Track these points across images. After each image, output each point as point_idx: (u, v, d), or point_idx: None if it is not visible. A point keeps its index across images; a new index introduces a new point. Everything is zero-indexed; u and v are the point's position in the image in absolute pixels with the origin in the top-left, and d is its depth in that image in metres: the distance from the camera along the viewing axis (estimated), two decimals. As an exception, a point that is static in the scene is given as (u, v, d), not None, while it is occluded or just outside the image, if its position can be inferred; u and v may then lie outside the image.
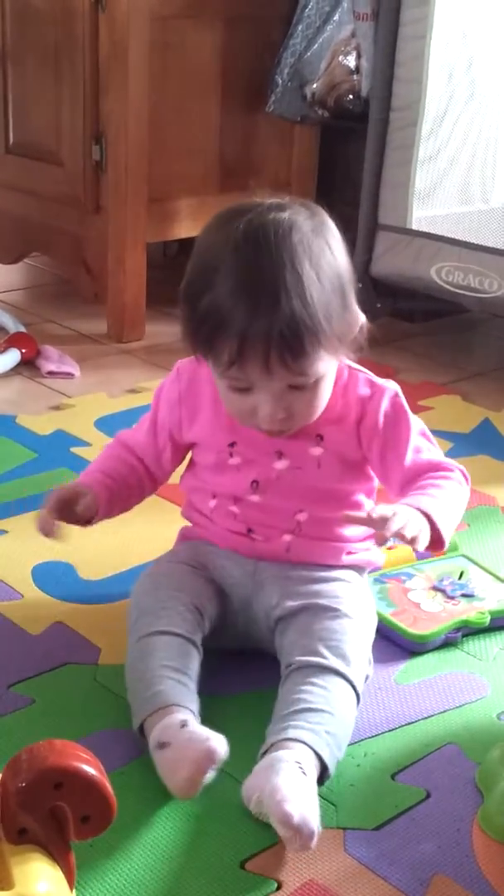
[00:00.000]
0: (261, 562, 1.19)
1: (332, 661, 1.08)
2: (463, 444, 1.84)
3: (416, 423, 1.18)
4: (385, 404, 1.16)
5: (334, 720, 1.03)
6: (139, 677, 1.08)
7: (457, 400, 2.04)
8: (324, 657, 1.08)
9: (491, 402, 2.02)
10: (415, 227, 2.12)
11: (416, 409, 1.95)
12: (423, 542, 1.06)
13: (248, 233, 1.02)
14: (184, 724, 1.00)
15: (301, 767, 0.97)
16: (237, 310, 1.01)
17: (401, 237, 2.13)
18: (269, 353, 1.02)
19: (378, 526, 1.04)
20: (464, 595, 1.32)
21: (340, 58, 2.18)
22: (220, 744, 0.98)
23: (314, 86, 2.20)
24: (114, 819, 0.80)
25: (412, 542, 1.05)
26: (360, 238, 2.20)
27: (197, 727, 1.00)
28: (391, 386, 1.17)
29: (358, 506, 1.19)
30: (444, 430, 1.89)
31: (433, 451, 1.18)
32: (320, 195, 2.50)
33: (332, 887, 0.93)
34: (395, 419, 1.16)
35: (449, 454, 1.77)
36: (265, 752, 1.00)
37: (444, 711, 1.16)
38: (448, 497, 1.13)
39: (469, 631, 1.28)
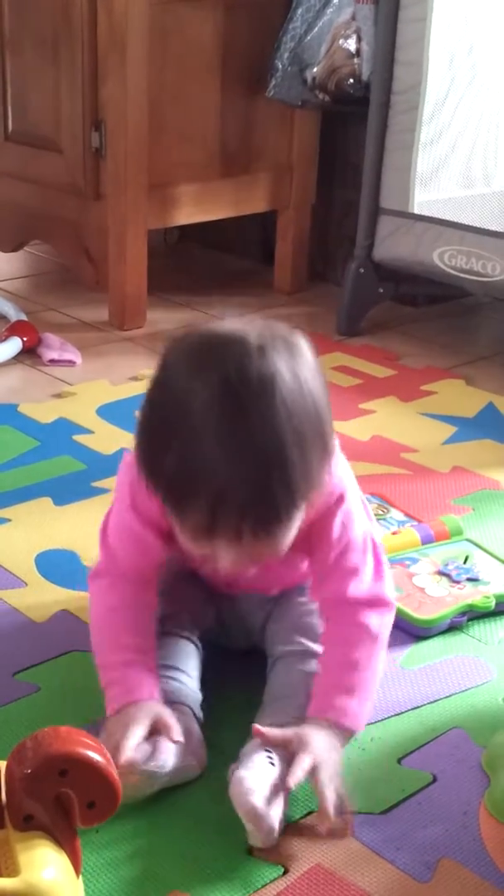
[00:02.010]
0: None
1: (313, 647, 1.10)
2: (467, 428, 1.83)
3: (355, 529, 1.06)
4: (323, 509, 1.04)
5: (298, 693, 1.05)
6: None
7: (460, 384, 2.03)
8: (301, 644, 1.10)
9: (495, 386, 2.01)
10: (417, 211, 2.11)
11: (420, 395, 1.96)
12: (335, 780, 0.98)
13: (224, 391, 0.88)
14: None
15: (269, 757, 0.98)
16: (210, 480, 0.88)
17: (403, 221, 2.12)
18: (242, 526, 0.90)
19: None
20: (469, 579, 1.31)
21: (341, 41, 2.17)
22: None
23: (314, 70, 2.19)
24: (119, 805, 0.80)
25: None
26: (361, 223, 2.19)
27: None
28: (333, 494, 1.04)
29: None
30: (448, 414, 1.89)
31: (364, 573, 1.07)
32: (321, 179, 2.49)
33: (339, 871, 0.93)
34: (324, 526, 1.05)
35: (453, 438, 1.79)
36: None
37: (450, 696, 1.16)
38: (370, 666, 1.05)
39: (474, 615, 1.28)
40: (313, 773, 0.96)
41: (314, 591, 1.10)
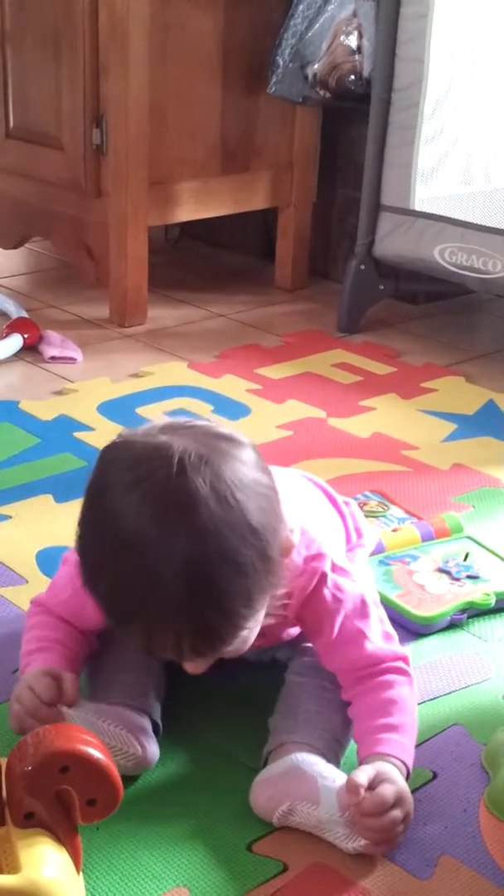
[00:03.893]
0: None
1: None
2: (467, 425, 1.83)
3: (347, 600, 1.04)
4: (309, 588, 1.03)
5: (342, 729, 1.03)
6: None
7: (460, 381, 2.03)
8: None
9: (495, 384, 2.01)
10: (418, 207, 2.11)
11: (420, 392, 1.96)
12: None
13: (148, 518, 0.85)
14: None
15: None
16: (139, 611, 0.88)
17: (404, 218, 2.12)
18: (181, 646, 0.89)
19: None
20: (469, 576, 1.31)
21: (342, 38, 2.17)
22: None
23: (315, 66, 2.19)
24: (120, 802, 0.80)
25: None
26: (362, 219, 2.19)
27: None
28: (317, 569, 1.03)
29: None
30: (448, 411, 1.88)
31: (373, 633, 1.04)
32: (322, 177, 2.49)
33: (339, 869, 0.93)
34: (317, 605, 1.04)
35: (453, 436, 1.79)
36: (273, 750, 1.00)
37: (450, 693, 1.16)
38: (407, 717, 1.01)
39: (474, 612, 1.28)
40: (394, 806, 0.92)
41: (326, 665, 1.06)
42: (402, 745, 0.98)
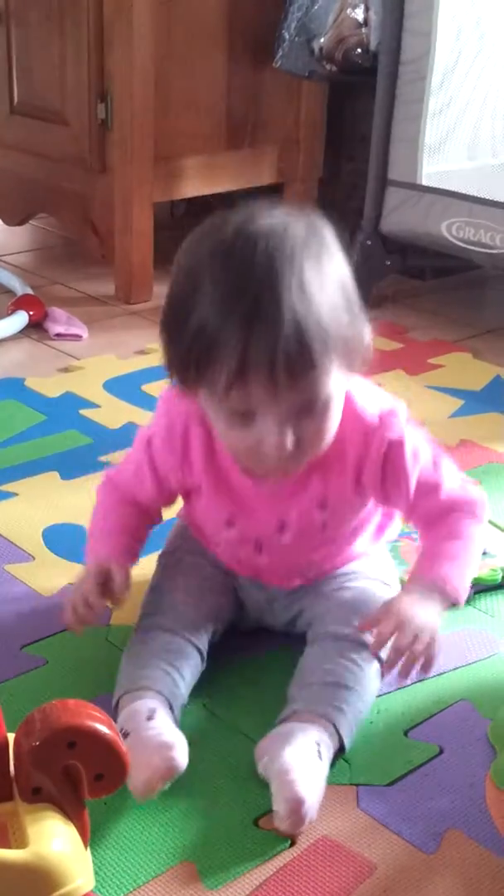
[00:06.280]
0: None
1: (369, 637, 1.06)
2: (474, 401, 1.83)
3: (421, 460, 1.06)
4: (382, 459, 1.04)
5: (361, 700, 1.03)
6: (129, 660, 1.06)
7: (467, 357, 2.02)
8: (361, 631, 1.07)
9: (502, 360, 2.01)
10: (425, 182, 2.10)
11: (427, 368, 1.95)
12: (429, 653, 1.03)
13: (237, 240, 0.91)
14: (150, 716, 0.97)
15: (319, 749, 0.97)
16: (231, 324, 0.89)
17: (411, 193, 2.11)
18: (275, 369, 0.89)
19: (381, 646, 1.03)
20: (476, 552, 1.31)
21: (348, 11, 2.14)
22: (182, 755, 0.94)
23: (322, 40, 2.17)
24: (127, 777, 0.81)
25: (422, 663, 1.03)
26: (369, 194, 2.18)
27: (164, 725, 0.97)
28: (387, 434, 1.04)
29: (368, 520, 1.14)
30: (455, 387, 1.88)
31: (446, 481, 1.08)
32: (329, 151, 2.48)
33: (346, 843, 0.93)
34: (395, 473, 1.05)
35: (460, 412, 1.78)
36: (287, 718, 1.00)
37: (457, 668, 1.16)
38: (468, 550, 1.07)
39: (481, 588, 1.28)
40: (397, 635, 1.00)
41: (408, 517, 1.12)
42: (450, 571, 1.04)
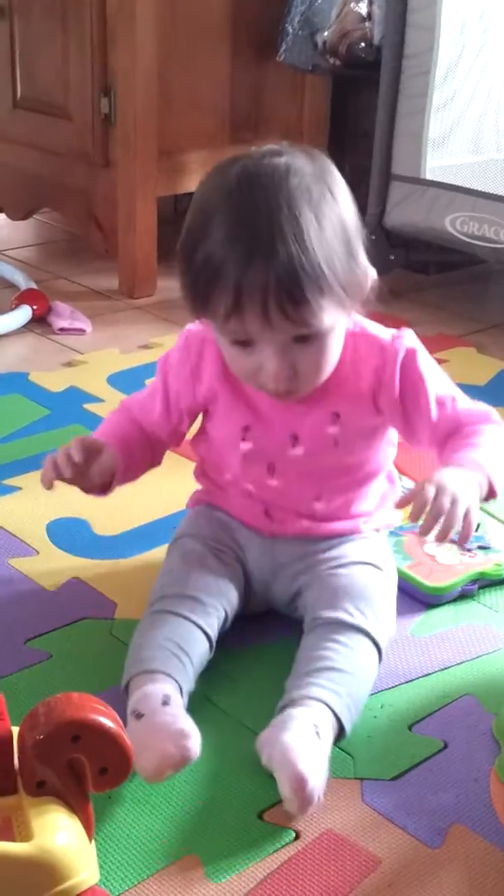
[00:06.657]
0: (279, 540, 1.17)
1: (357, 619, 1.07)
2: (478, 396, 1.80)
3: (435, 375, 1.12)
4: (398, 368, 1.09)
5: (355, 681, 1.03)
6: (139, 643, 1.06)
7: (472, 352, 2.02)
8: (349, 613, 1.07)
9: (506, 354, 2.01)
10: (429, 177, 2.10)
11: (431, 362, 1.95)
12: (472, 511, 1.02)
13: (242, 177, 0.98)
14: (166, 701, 0.97)
15: (317, 730, 0.96)
16: (230, 257, 0.96)
17: (414, 187, 2.11)
18: (267, 301, 0.96)
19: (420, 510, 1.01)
20: (480, 547, 1.31)
21: (352, 5, 2.14)
22: (196, 745, 0.94)
23: (325, 34, 2.17)
24: (131, 771, 0.81)
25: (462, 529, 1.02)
26: (373, 189, 2.18)
27: (179, 711, 0.97)
28: (403, 342, 1.10)
29: (375, 474, 1.17)
30: (460, 382, 1.84)
31: (459, 400, 1.13)
32: (332, 145, 2.47)
33: (350, 837, 0.93)
34: (413, 382, 1.10)
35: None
36: (284, 708, 1.00)
37: (461, 663, 1.16)
38: (491, 442, 1.09)
39: (485, 583, 1.27)
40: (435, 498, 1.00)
41: (427, 443, 1.14)
42: (483, 459, 1.05)
